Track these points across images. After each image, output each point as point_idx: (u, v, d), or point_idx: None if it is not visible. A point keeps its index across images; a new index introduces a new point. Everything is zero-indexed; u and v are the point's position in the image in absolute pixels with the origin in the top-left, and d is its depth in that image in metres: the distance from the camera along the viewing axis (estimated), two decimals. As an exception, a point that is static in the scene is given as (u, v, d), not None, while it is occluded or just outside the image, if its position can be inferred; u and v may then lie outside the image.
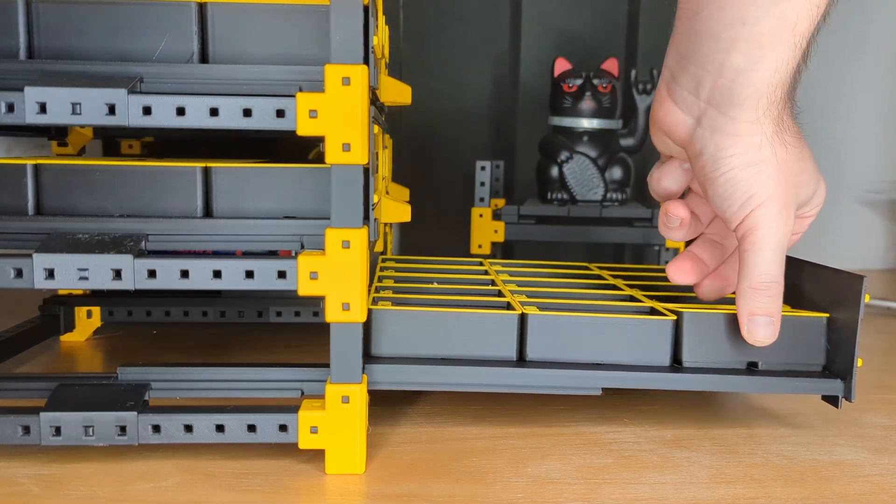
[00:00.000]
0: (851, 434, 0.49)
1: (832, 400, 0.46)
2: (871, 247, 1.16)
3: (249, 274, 0.39)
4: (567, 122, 0.81)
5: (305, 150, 0.79)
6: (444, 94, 0.97)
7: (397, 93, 0.58)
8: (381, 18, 0.50)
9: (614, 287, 0.57)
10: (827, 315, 0.47)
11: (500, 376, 0.45)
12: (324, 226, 0.39)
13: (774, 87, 0.40)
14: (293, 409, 0.41)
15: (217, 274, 0.39)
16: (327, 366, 0.41)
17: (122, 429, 0.40)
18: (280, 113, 0.39)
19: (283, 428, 0.41)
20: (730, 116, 0.41)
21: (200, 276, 0.39)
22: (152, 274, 0.39)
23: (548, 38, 0.94)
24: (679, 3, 0.42)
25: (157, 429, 0.40)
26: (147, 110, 0.38)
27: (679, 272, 0.49)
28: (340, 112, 0.38)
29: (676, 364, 0.47)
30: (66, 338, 0.66)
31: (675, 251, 0.82)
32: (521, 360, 0.46)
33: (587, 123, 0.80)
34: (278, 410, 0.41)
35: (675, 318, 0.47)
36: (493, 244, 0.83)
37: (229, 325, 0.71)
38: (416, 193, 0.76)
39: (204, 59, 0.42)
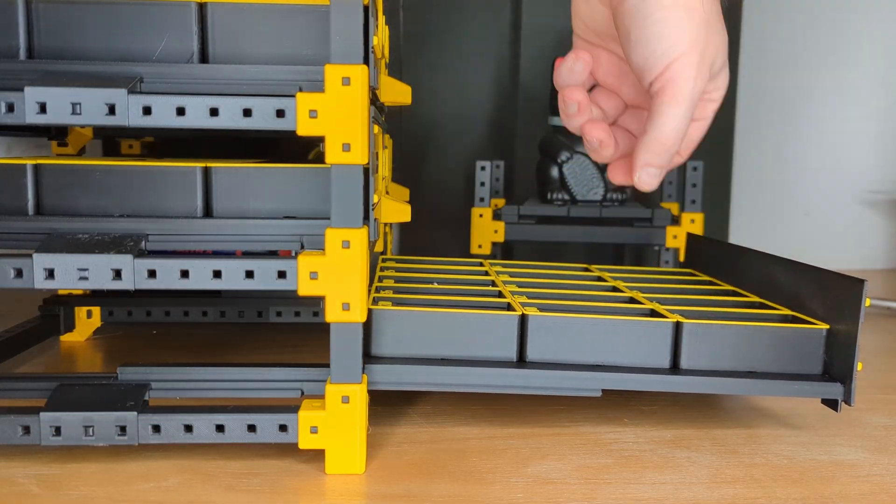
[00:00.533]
0: (851, 434, 0.49)
1: (832, 403, 0.46)
2: (871, 247, 1.16)
3: (249, 274, 0.39)
4: (567, 122, 0.81)
5: (305, 150, 0.79)
6: (444, 94, 0.97)
7: (397, 93, 0.58)
8: (381, 18, 0.50)
9: (615, 288, 0.57)
10: (827, 326, 0.47)
11: (501, 377, 0.45)
12: (324, 226, 0.39)
13: None
14: (293, 409, 0.41)
15: (217, 274, 0.39)
16: (327, 366, 0.41)
17: (122, 429, 0.40)
18: (280, 113, 0.39)
19: (283, 428, 0.41)
20: None
21: (200, 276, 0.39)
22: (152, 274, 0.39)
23: (548, 38, 0.94)
24: None
25: (157, 429, 0.40)
26: (147, 110, 0.38)
27: (596, 129, 0.47)
28: (340, 112, 0.38)
29: (676, 366, 0.47)
30: (66, 338, 0.66)
31: (676, 251, 0.81)
32: (522, 361, 0.46)
33: (587, 123, 0.80)
34: (278, 410, 0.41)
35: (675, 319, 0.47)
36: (493, 244, 0.83)
37: (229, 325, 0.71)
38: (416, 193, 0.76)
39: (204, 59, 0.42)
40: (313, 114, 0.38)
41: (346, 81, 0.38)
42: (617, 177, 0.48)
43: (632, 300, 0.53)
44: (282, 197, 0.42)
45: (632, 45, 0.42)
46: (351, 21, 0.37)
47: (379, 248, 0.70)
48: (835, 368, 0.46)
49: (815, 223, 1.15)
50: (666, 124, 0.43)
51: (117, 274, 0.38)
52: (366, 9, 0.38)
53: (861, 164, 1.15)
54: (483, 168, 0.84)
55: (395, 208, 0.53)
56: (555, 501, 0.39)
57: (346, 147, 0.38)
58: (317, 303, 0.68)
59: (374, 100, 0.46)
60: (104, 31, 0.41)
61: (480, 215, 0.83)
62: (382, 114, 0.66)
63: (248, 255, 0.42)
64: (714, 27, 0.43)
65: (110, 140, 0.79)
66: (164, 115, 0.38)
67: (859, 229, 1.16)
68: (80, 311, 0.67)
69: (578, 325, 0.46)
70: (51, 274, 0.38)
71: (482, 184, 0.84)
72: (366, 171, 0.39)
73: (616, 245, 0.95)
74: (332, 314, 0.40)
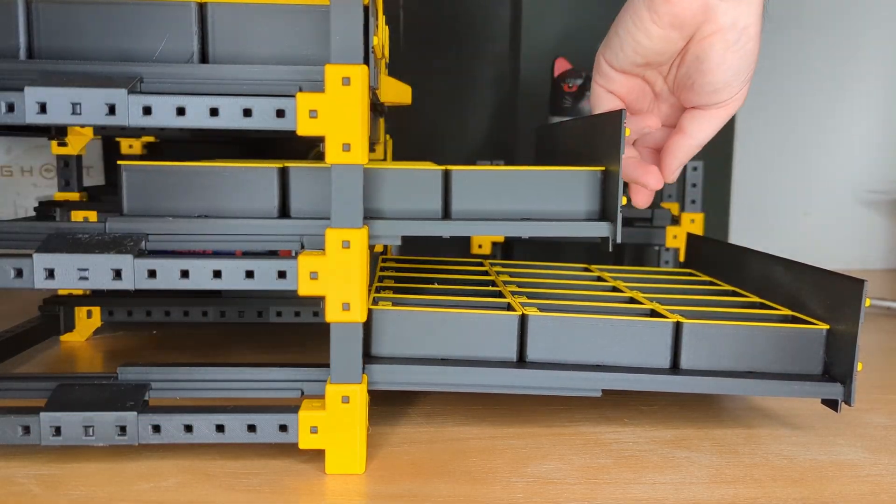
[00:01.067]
0: (851, 434, 0.49)
1: (832, 404, 0.46)
2: (871, 247, 1.16)
3: (249, 274, 0.39)
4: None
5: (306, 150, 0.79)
6: (444, 94, 0.97)
7: (397, 93, 0.58)
8: (381, 18, 0.50)
9: (615, 288, 0.57)
10: (827, 326, 0.47)
11: (501, 377, 0.45)
12: (324, 226, 0.39)
13: None
14: (293, 409, 0.41)
15: (217, 274, 0.39)
16: (327, 366, 0.41)
17: (122, 429, 0.40)
18: (280, 113, 0.39)
19: (283, 428, 0.41)
20: None
21: (200, 276, 0.39)
22: (152, 274, 0.39)
23: (548, 38, 0.94)
24: None
25: (157, 429, 0.40)
26: (147, 110, 0.38)
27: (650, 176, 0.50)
28: (340, 112, 0.38)
29: (676, 366, 0.47)
30: (66, 338, 0.67)
31: (676, 251, 0.82)
32: (522, 361, 0.46)
33: (587, 123, 0.80)
34: (278, 410, 0.41)
35: (675, 320, 0.47)
36: (494, 244, 0.83)
37: (229, 325, 0.71)
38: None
39: (204, 59, 0.42)
40: (313, 114, 0.38)
41: (346, 81, 0.38)
42: (641, 200, 0.52)
43: (632, 300, 0.53)
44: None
45: (713, 70, 0.45)
46: (351, 21, 0.37)
47: (379, 248, 0.71)
48: (835, 368, 0.46)
49: (815, 223, 1.15)
50: (709, 133, 0.48)
51: (117, 274, 0.38)
52: (366, 9, 0.38)
53: (861, 164, 1.15)
54: (483, 168, 0.84)
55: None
56: (555, 501, 0.39)
57: (346, 147, 0.38)
58: (317, 303, 0.68)
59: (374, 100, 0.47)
60: (104, 31, 0.41)
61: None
62: (382, 114, 0.66)
63: (248, 255, 0.42)
64: None
65: (110, 140, 0.79)
66: (164, 115, 0.38)
67: (859, 229, 1.16)
68: (80, 311, 0.67)
69: (578, 325, 0.46)
70: (51, 274, 0.38)
71: (482, 184, 0.84)
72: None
73: (616, 245, 0.95)
74: (332, 314, 0.40)
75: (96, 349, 0.64)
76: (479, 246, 0.83)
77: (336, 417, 0.40)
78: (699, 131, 0.47)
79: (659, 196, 0.88)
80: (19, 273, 0.38)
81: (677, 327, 0.46)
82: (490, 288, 0.55)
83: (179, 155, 0.83)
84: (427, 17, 0.97)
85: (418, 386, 0.45)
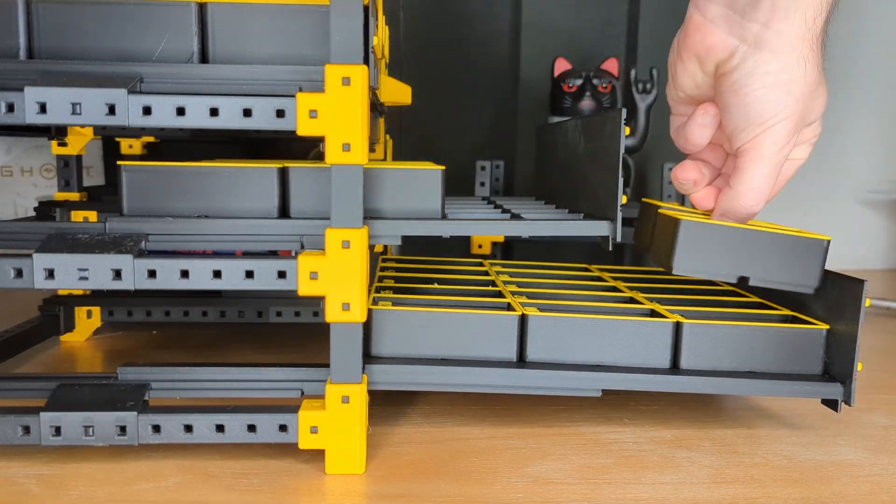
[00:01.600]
0: (851, 434, 0.49)
1: (832, 404, 0.46)
2: (871, 247, 1.16)
3: (249, 274, 0.39)
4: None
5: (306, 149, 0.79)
6: (444, 94, 0.97)
7: (397, 93, 0.58)
8: (381, 18, 0.50)
9: (614, 289, 0.57)
10: (827, 327, 0.47)
11: (500, 377, 0.45)
12: (324, 226, 0.39)
13: (821, 4, 0.43)
14: (293, 409, 0.41)
15: (217, 274, 0.39)
16: (327, 366, 0.41)
17: (122, 429, 0.40)
18: (280, 113, 0.39)
19: (283, 428, 0.41)
20: (776, 30, 0.43)
21: (200, 276, 0.39)
22: (152, 274, 0.39)
23: (548, 38, 0.94)
24: None
25: (157, 429, 0.40)
26: (147, 110, 0.38)
27: (685, 172, 0.49)
28: (340, 112, 0.38)
29: (676, 366, 0.47)
30: (66, 338, 0.67)
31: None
32: (522, 361, 0.46)
33: (587, 123, 0.80)
34: (278, 410, 0.41)
35: (675, 320, 0.47)
36: (493, 244, 0.83)
37: (229, 325, 0.71)
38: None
39: (204, 59, 0.42)
40: (313, 114, 0.38)
41: (346, 81, 0.38)
42: (705, 202, 0.50)
43: (632, 300, 0.53)
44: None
45: (730, 114, 0.45)
46: (351, 21, 0.37)
47: (379, 248, 0.71)
48: (835, 369, 0.46)
49: (815, 223, 1.15)
50: (746, 183, 0.46)
51: (117, 274, 0.38)
52: (366, 9, 0.38)
53: (861, 164, 1.15)
54: (483, 168, 0.84)
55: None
56: (555, 501, 0.39)
57: (346, 147, 0.38)
58: (317, 303, 0.68)
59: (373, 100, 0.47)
60: (104, 31, 0.41)
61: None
62: (383, 114, 0.66)
63: (248, 255, 0.42)
64: (815, 92, 0.47)
65: (110, 140, 0.79)
66: (164, 115, 0.38)
67: (859, 229, 1.16)
68: (80, 311, 0.67)
69: (578, 325, 0.46)
70: (51, 274, 0.38)
71: (482, 184, 0.84)
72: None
73: (616, 245, 0.95)
74: (332, 314, 0.40)
75: (96, 349, 0.64)
76: (479, 246, 0.83)
77: (336, 417, 0.40)
78: (738, 181, 0.46)
79: (658, 196, 0.88)
80: (19, 273, 0.38)
81: (677, 327, 0.46)
82: (490, 288, 0.55)
83: (179, 155, 0.83)
84: (427, 16, 0.97)
85: (418, 386, 0.45)
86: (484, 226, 0.45)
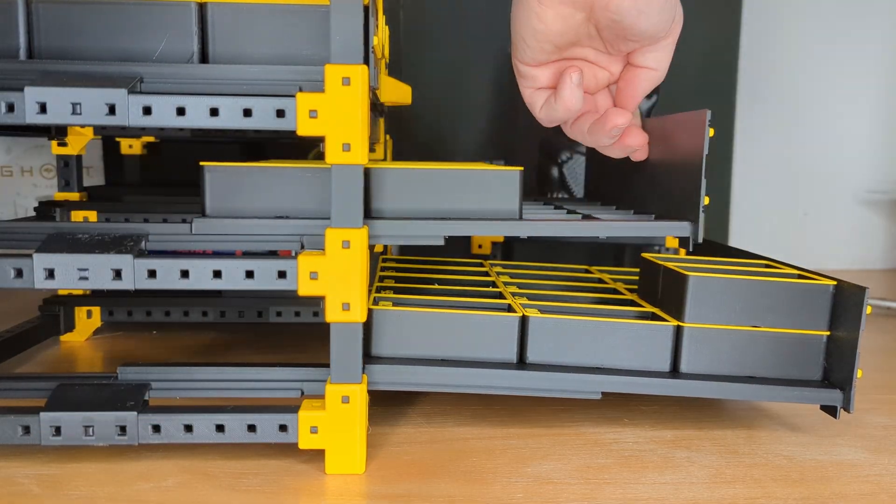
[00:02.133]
0: (851, 434, 0.49)
1: (830, 410, 0.46)
2: (871, 247, 1.16)
3: (249, 274, 0.39)
4: (567, 122, 0.81)
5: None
6: (444, 94, 0.97)
7: (397, 93, 0.58)
8: (381, 18, 0.50)
9: (615, 291, 0.57)
10: (827, 333, 0.47)
11: (501, 378, 0.45)
12: (324, 226, 0.39)
13: None
14: (293, 409, 0.41)
15: (217, 274, 0.39)
16: (327, 366, 0.41)
17: (122, 429, 0.40)
18: (280, 113, 0.39)
19: (283, 428, 0.41)
20: None
21: (200, 276, 0.39)
22: (152, 274, 0.39)
23: (548, 38, 0.94)
24: None
25: (157, 429, 0.40)
26: (147, 110, 0.38)
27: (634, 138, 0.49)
28: (340, 112, 0.38)
29: (676, 369, 0.47)
30: (66, 338, 0.67)
31: (675, 251, 0.81)
32: (522, 363, 0.46)
33: (587, 123, 0.80)
34: (278, 410, 0.41)
35: (675, 323, 0.47)
36: (494, 244, 0.83)
37: (229, 325, 0.71)
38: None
39: (204, 59, 0.42)
40: (313, 114, 0.38)
41: (346, 81, 0.38)
42: (634, 140, 0.49)
43: (632, 303, 0.53)
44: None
45: (634, 23, 0.44)
46: (351, 21, 0.37)
47: (379, 248, 0.71)
48: (834, 375, 0.46)
49: (815, 223, 1.15)
50: (667, 62, 0.47)
51: (117, 274, 0.38)
52: (366, 9, 0.38)
53: (861, 164, 1.15)
54: (483, 168, 0.84)
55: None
56: (555, 501, 0.39)
57: (346, 147, 0.38)
58: (317, 303, 0.68)
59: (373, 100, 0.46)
60: (104, 31, 0.41)
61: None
62: (383, 114, 0.66)
63: (248, 255, 0.42)
64: None
65: (110, 140, 0.79)
66: (164, 115, 0.38)
67: (859, 229, 1.16)
68: (80, 311, 0.67)
69: (579, 327, 0.46)
70: (51, 274, 0.38)
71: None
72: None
73: (616, 245, 0.95)
74: (333, 314, 0.40)
75: (96, 349, 0.64)
76: (479, 246, 0.83)
77: (336, 417, 0.40)
78: (655, 62, 0.47)
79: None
80: (19, 273, 0.38)
81: (677, 330, 0.46)
82: (491, 289, 0.55)
83: (180, 155, 0.83)
84: (427, 16, 0.97)
85: (418, 386, 0.45)
86: (562, 226, 0.45)
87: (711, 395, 0.46)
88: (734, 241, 1.10)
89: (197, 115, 0.39)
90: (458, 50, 0.97)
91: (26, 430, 0.40)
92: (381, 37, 0.49)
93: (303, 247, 0.41)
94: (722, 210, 1.07)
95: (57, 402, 0.40)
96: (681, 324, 0.46)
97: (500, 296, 0.52)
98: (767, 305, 0.46)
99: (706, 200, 0.44)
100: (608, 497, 0.39)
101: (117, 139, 0.78)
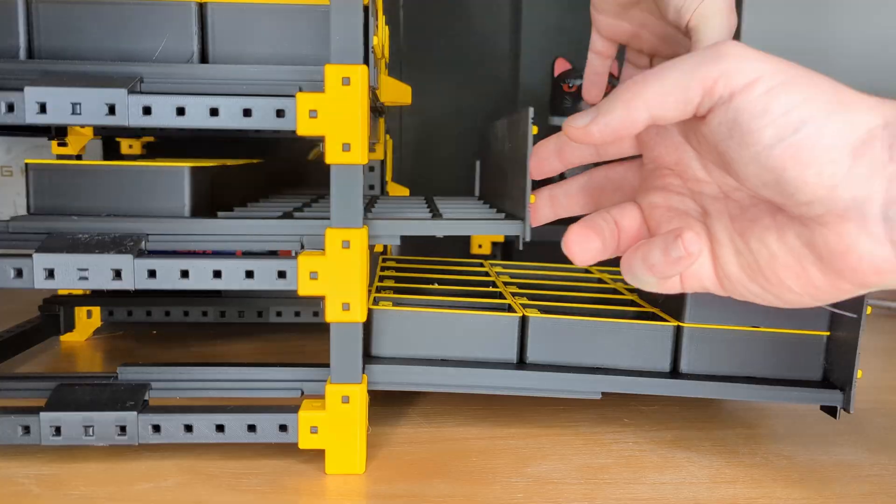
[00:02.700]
0: (851, 434, 0.49)
1: (830, 410, 0.46)
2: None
3: (249, 274, 0.39)
4: (567, 122, 0.81)
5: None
6: (444, 93, 0.97)
7: (397, 93, 0.58)
8: (381, 18, 0.50)
9: (615, 291, 0.57)
10: (827, 333, 0.47)
11: (500, 378, 0.45)
12: (324, 226, 0.39)
13: None
14: (293, 409, 0.41)
15: (217, 274, 0.39)
16: (327, 366, 0.41)
17: (122, 429, 0.40)
18: (280, 113, 0.39)
19: (283, 428, 0.41)
20: None
21: (200, 276, 0.39)
22: (152, 274, 0.39)
23: (548, 38, 0.94)
24: None
25: (157, 429, 0.40)
26: (147, 110, 0.38)
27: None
28: (340, 112, 0.38)
29: (676, 370, 0.47)
30: (66, 338, 0.66)
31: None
32: (522, 363, 0.46)
33: (587, 123, 0.80)
34: (278, 410, 0.41)
35: (675, 323, 0.47)
36: (494, 244, 0.83)
37: (229, 325, 0.71)
38: (416, 193, 0.76)
39: (204, 59, 0.42)
40: (313, 114, 0.38)
41: (346, 81, 0.38)
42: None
43: (633, 303, 0.53)
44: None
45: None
46: (351, 21, 0.37)
47: (379, 248, 0.71)
48: (834, 375, 0.46)
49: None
50: (710, 40, 0.41)
51: (117, 274, 0.38)
52: (366, 9, 0.38)
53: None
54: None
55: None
56: (555, 501, 0.39)
57: (346, 147, 0.38)
58: (317, 303, 0.68)
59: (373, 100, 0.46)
60: (104, 31, 0.41)
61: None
62: (382, 114, 0.66)
63: (248, 255, 0.42)
64: None
65: (110, 140, 0.79)
66: (164, 115, 0.38)
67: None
68: (80, 311, 0.67)
69: (579, 327, 0.46)
70: (51, 274, 0.38)
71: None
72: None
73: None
74: (332, 314, 0.40)
75: (96, 349, 0.64)
76: (479, 246, 0.83)
77: (336, 417, 0.40)
78: (701, 43, 0.42)
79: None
80: (19, 273, 0.38)
81: (678, 331, 0.46)
82: (491, 289, 0.55)
83: (180, 155, 0.83)
84: (427, 17, 0.97)
85: (418, 386, 0.45)
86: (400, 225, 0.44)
87: (711, 396, 0.46)
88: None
89: (197, 116, 0.39)
90: (458, 49, 0.97)
91: (26, 430, 0.40)
92: (381, 37, 0.49)
93: (303, 247, 0.41)
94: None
95: (57, 402, 0.40)
96: (681, 324, 0.46)
97: (500, 296, 0.52)
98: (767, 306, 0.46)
99: (532, 199, 0.42)
100: (608, 497, 0.39)
101: (117, 139, 0.78)
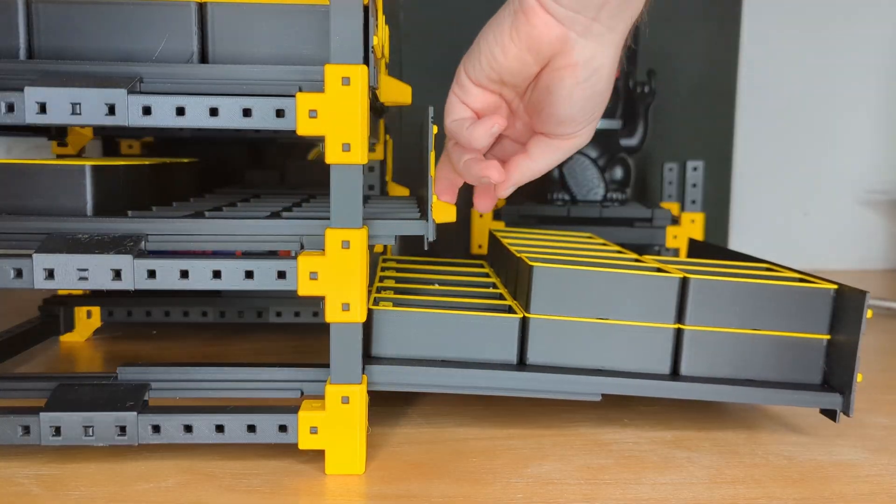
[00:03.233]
0: (852, 434, 0.49)
1: (830, 413, 0.46)
2: (871, 247, 1.16)
3: (249, 274, 0.39)
4: (567, 122, 0.81)
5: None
6: (444, 94, 0.97)
7: (397, 93, 0.58)
8: (381, 18, 0.49)
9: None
10: (827, 337, 0.47)
11: (501, 379, 0.45)
12: (324, 226, 0.39)
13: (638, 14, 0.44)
14: (293, 409, 0.41)
15: (217, 274, 0.39)
16: (327, 366, 0.41)
17: (122, 429, 0.40)
18: (280, 113, 0.39)
19: (282, 428, 0.41)
20: (609, 27, 0.43)
21: (200, 276, 0.39)
22: (152, 274, 0.39)
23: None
24: None
25: (157, 429, 0.40)
26: (147, 110, 0.38)
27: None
28: (340, 112, 0.38)
29: (676, 372, 0.47)
30: (66, 338, 0.66)
31: (676, 251, 0.82)
32: (522, 364, 0.46)
33: (587, 124, 0.80)
34: (278, 411, 0.41)
35: (676, 326, 0.47)
36: (493, 244, 0.83)
37: (229, 325, 0.71)
38: (416, 193, 0.76)
39: (204, 59, 0.42)
40: (313, 114, 0.38)
41: (346, 81, 0.38)
42: (483, 203, 0.50)
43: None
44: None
45: (561, 102, 0.44)
46: (351, 21, 0.37)
47: (379, 248, 0.71)
48: (834, 379, 0.46)
49: (815, 223, 1.15)
50: (550, 161, 0.46)
51: (117, 274, 0.38)
52: (366, 9, 0.38)
53: (861, 164, 1.15)
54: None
55: (444, 209, 0.52)
56: (555, 502, 0.39)
57: (346, 147, 0.38)
58: (317, 303, 0.68)
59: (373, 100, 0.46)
60: (104, 31, 0.41)
61: (481, 215, 0.83)
62: (382, 114, 0.66)
63: (248, 255, 0.42)
64: None
65: (110, 140, 0.79)
66: (164, 115, 0.38)
67: (859, 229, 1.16)
68: (80, 311, 0.67)
69: (579, 328, 0.46)
70: (51, 274, 0.38)
71: (482, 184, 0.84)
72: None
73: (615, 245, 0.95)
74: (332, 314, 0.40)
75: (96, 349, 0.64)
76: (479, 246, 0.83)
77: (336, 418, 0.40)
78: (541, 157, 0.46)
79: (658, 196, 0.88)
80: (19, 273, 0.38)
81: (678, 333, 0.46)
82: (491, 290, 0.54)
83: (180, 154, 0.83)
84: (427, 16, 0.97)
85: (418, 387, 0.45)
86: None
87: (711, 398, 0.46)
88: (734, 241, 1.10)
89: (197, 115, 0.39)
90: (458, 50, 0.97)
91: (26, 430, 0.40)
92: (381, 37, 0.49)
93: (303, 247, 0.41)
94: (722, 210, 1.07)
95: (57, 402, 0.40)
96: (681, 326, 0.46)
97: (501, 296, 0.52)
98: (768, 309, 0.46)
99: (435, 199, 0.44)
100: (608, 497, 0.39)
101: (117, 139, 0.78)
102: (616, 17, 0.42)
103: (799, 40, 1.11)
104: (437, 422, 0.49)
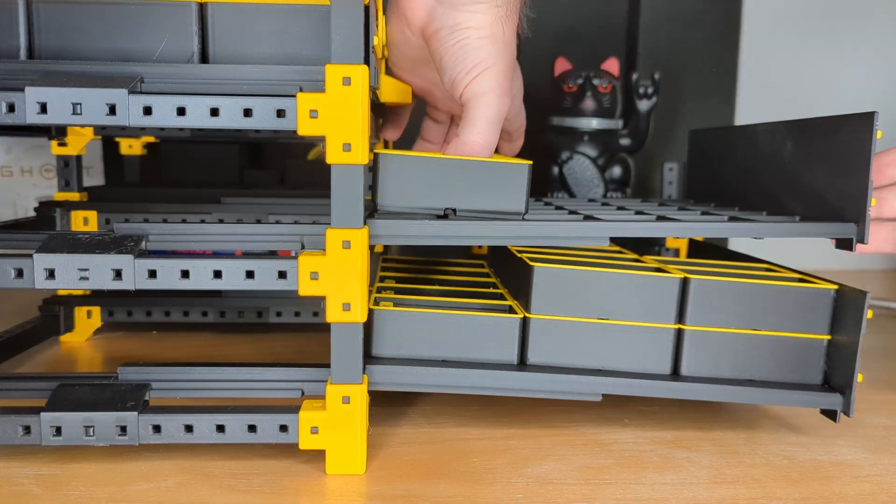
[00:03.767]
0: (852, 434, 0.49)
1: (830, 413, 0.46)
2: (871, 247, 1.16)
3: (249, 274, 0.39)
4: (567, 122, 0.81)
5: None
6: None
7: (397, 93, 0.58)
8: (381, 18, 0.49)
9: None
10: (828, 337, 0.47)
11: (501, 380, 0.45)
12: (324, 226, 0.39)
13: None
14: (293, 409, 0.41)
15: (217, 274, 0.39)
16: (327, 366, 0.41)
17: (123, 429, 0.40)
18: (280, 113, 0.39)
19: (283, 428, 0.41)
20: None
21: (201, 276, 0.39)
22: (152, 274, 0.39)
23: (547, 38, 0.94)
24: None
25: (157, 429, 0.40)
26: (147, 110, 0.38)
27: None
28: (341, 112, 0.38)
29: (676, 372, 0.47)
30: (66, 338, 0.66)
31: (676, 251, 0.82)
32: (522, 364, 0.46)
33: (587, 123, 0.80)
34: (279, 411, 0.41)
35: (677, 326, 0.47)
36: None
37: (229, 325, 0.71)
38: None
39: (204, 59, 0.42)
40: (314, 114, 0.38)
41: (347, 81, 0.38)
42: None
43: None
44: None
45: (444, 67, 0.47)
46: (351, 21, 0.37)
47: (379, 248, 0.71)
48: (835, 379, 0.46)
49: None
50: (473, 128, 0.47)
51: (118, 274, 0.38)
52: (366, 9, 0.38)
53: (861, 164, 1.15)
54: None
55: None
56: (555, 501, 0.39)
57: (347, 147, 0.38)
58: (317, 303, 0.68)
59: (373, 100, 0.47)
60: (104, 31, 0.41)
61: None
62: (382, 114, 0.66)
63: (248, 255, 0.42)
64: (511, 56, 0.48)
65: (110, 140, 0.79)
66: (164, 115, 0.38)
67: (859, 229, 1.15)
68: (80, 311, 0.67)
69: (580, 328, 0.46)
70: (51, 274, 0.38)
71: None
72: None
73: (616, 245, 0.95)
74: (333, 314, 0.40)
75: (96, 349, 0.64)
76: (479, 246, 0.83)
77: (336, 418, 0.40)
78: (465, 130, 0.47)
79: (659, 194, 0.88)
80: (19, 273, 0.38)
81: (678, 333, 0.46)
82: (492, 290, 0.54)
83: (180, 154, 0.83)
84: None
85: (419, 387, 0.45)
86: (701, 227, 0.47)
87: (711, 399, 0.46)
88: (734, 242, 1.10)
89: (197, 115, 0.39)
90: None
91: (26, 430, 0.40)
92: (381, 37, 0.49)
93: (303, 247, 0.41)
94: (722, 210, 1.07)
95: (57, 402, 0.40)
96: (682, 326, 0.46)
97: (501, 296, 0.52)
98: (768, 309, 0.46)
99: (873, 202, 0.45)
100: (608, 497, 0.39)
101: (117, 139, 0.78)
102: None
103: (799, 41, 1.11)
104: (437, 422, 0.49)
